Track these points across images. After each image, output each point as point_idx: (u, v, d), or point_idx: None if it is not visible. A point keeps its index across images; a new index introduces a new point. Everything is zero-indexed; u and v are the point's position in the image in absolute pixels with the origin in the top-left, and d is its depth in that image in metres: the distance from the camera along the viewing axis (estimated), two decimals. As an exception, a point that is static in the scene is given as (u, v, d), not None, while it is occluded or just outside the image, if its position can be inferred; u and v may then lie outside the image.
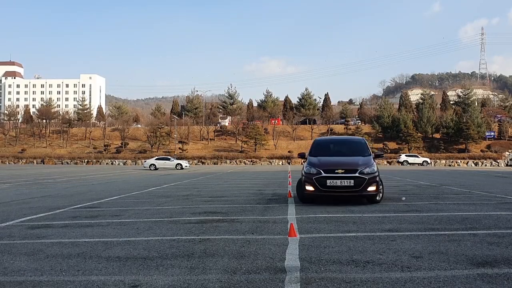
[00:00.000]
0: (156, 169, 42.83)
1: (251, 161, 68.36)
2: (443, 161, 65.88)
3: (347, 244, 5.55)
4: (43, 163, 70.07)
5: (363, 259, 4.75)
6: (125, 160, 70.49)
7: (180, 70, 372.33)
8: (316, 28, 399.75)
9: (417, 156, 63.08)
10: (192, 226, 7.24)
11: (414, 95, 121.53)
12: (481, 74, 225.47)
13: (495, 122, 79.65)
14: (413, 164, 59.82)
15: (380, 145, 73.30)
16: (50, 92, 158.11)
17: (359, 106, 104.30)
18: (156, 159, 45.80)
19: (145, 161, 48.21)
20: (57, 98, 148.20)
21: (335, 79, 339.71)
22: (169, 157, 49.64)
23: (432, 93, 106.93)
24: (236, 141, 78.09)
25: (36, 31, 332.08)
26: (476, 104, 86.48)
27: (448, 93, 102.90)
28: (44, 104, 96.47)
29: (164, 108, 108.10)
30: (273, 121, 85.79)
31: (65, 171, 36.61)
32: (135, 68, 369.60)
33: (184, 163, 46.40)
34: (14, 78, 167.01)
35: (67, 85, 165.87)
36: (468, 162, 65.00)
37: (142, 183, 20.32)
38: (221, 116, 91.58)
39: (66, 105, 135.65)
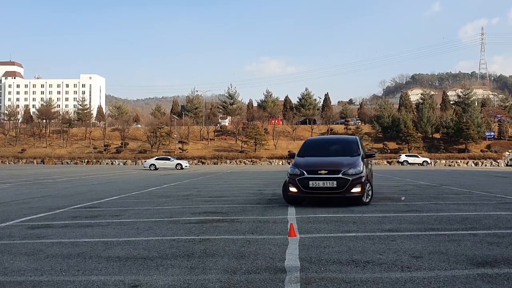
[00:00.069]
0: (156, 169, 42.83)
1: (251, 161, 68.37)
2: (443, 161, 65.89)
3: (347, 244, 5.55)
4: (43, 163, 70.07)
5: (363, 259, 4.75)
6: (125, 160, 70.49)
7: (180, 70, 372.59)
8: (316, 28, 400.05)
9: (417, 156, 63.09)
10: (192, 226, 7.24)
11: (414, 95, 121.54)
12: (481, 74, 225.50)
13: (495, 122, 79.67)
14: (413, 164, 59.82)
15: (380, 145, 73.34)
16: (50, 92, 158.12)
17: (359, 106, 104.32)
18: (156, 159, 45.80)
19: (145, 161, 48.22)
20: (57, 98, 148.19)
21: (335, 79, 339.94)
22: (169, 157, 49.65)
23: (432, 93, 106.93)
24: (236, 141, 78.09)
25: (36, 31, 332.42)
26: (476, 104, 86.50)
27: (448, 93, 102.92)
28: (44, 104, 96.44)
29: (164, 108, 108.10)
30: (273, 121, 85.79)
31: (65, 171, 36.62)
32: (135, 68, 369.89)
33: (184, 163, 46.41)
34: (14, 78, 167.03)
35: (67, 85, 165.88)
36: (468, 162, 65.00)
37: (142, 183, 20.32)
38: (221, 116, 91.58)
39: (66, 105, 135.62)
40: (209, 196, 13.01)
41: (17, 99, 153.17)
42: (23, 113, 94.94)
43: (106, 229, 7.04)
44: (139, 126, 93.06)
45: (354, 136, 11.45)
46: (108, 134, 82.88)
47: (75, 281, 4.09)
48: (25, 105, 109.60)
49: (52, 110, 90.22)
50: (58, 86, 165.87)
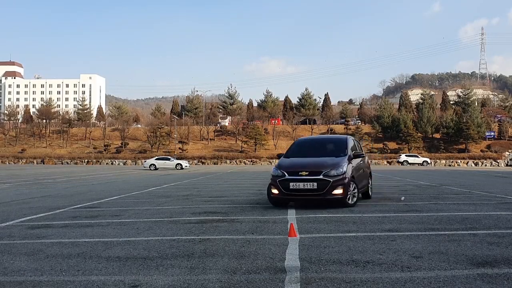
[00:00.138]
0: (156, 169, 42.83)
1: (251, 161, 68.38)
2: (443, 161, 65.91)
3: (347, 244, 5.55)
4: (43, 163, 70.07)
5: (363, 259, 4.75)
6: (125, 160, 70.50)
7: (180, 70, 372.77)
8: (316, 28, 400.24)
9: (417, 156, 63.11)
10: (192, 226, 7.24)
11: (414, 95, 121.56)
12: (481, 74, 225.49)
13: (495, 122, 79.71)
14: (413, 164, 59.83)
15: (380, 145, 73.38)
16: (50, 92, 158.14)
17: (359, 106, 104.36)
18: (156, 159, 45.81)
19: (145, 161, 48.23)
20: (57, 98, 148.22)
21: (335, 79, 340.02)
22: (169, 157, 49.66)
23: (432, 93, 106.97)
24: (236, 141, 78.11)
25: (36, 31, 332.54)
26: (476, 104, 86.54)
27: (448, 93, 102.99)
28: (44, 104, 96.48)
29: (164, 108, 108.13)
30: (273, 121, 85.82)
31: (65, 171, 36.62)
32: (135, 68, 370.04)
33: (184, 163, 46.42)
34: (14, 78, 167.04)
35: (67, 85, 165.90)
36: (468, 162, 65.02)
37: (142, 183, 20.32)
38: (221, 116, 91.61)
39: (66, 105, 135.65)
40: (209, 196, 13.01)
41: (17, 99, 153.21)
42: (23, 113, 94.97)
43: (106, 229, 7.04)
44: (139, 126, 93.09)
45: (345, 136, 11.11)
46: (108, 134, 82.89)
47: (75, 281, 4.09)
48: (25, 105, 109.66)
49: (52, 110, 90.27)
50: (58, 86, 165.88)
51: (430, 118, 75.95)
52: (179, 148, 73.19)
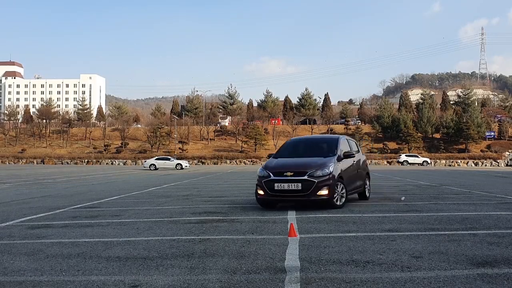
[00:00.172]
0: (156, 169, 42.84)
1: (251, 161, 68.38)
2: (443, 161, 65.92)
3: (347, 244, 5.55)
4: (43, 163, 70.09)
5: (363, 259, 4.75)
6: (125, 160, 70.51)
7: (180, 70, 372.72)
8: (316, 28, 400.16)
9: (417, 156, 63.13)
10: (192, 226, 7.24)
11: (414, 95, 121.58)
12: (481, 74, 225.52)
13: (495, 122, 79.74)
14: (413, 164, 59.85)
15: (380, 145, 73.39)
16: (50, 92, 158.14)
17: (359, 106, 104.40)
18: (156, 159, 45.83)
19: (145, 161, 48.24)
20: (57, 98, 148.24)
21: (335, 79, 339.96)
22: (169, 157, 49.68)
23: (432, 93, 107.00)
24: (236, 141, 78.13)
25: (36, 31, 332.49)
26: (476, 104, 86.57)
27: (448, 93, 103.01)
28: (44, 104, 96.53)
29: (164, 108, 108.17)
30: (273, 121, 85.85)
31: (65, 171, 36.62)
32: (135, 68, 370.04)
33: (184, 163, 46.43)
34: (14, 78, 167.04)
35: (67, 85, 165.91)
36: (468, 162, 65.03)
37: (142, 183, 20.32)
38: (221, 116, 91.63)
39: (66, 105, 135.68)
40: (209, 196, 13.01)
41: (17, 99, 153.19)
42: (23, 113, 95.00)
43: (106, 229, 7.04)
44: (139, 126, 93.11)
45: (337, 136, 10.88)
46: (108, 134, 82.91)
47: (75, 281, 4.09)
48: (25, 105, 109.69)
49: (52, 110, 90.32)
50: (58, 86, 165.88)
51: (430, 118, 75.97)
52: (179, 148, 73.20)
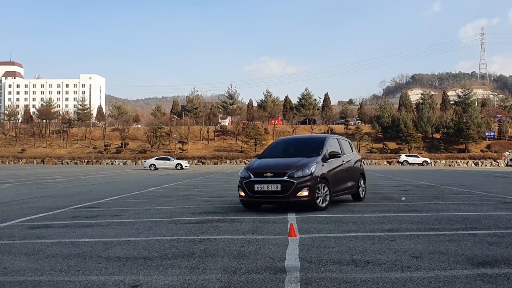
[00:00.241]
0: (156, 169, 42.84)
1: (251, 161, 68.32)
2: (443, 161, 65.92)
3: (347, 244, 5.55)
4: (43, 163, 70.09)
5: (363, 259, 4.75)
6: (125, 160, 70.52)
7: (180, 70, 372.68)
8: (316, 28, 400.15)
9: (417, 156, 63.13)
10: (192, 226, 7.24)
11: (414, 95, 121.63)
12: (481, 74, 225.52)
13: (495, 122, 79.75)
14: (413, 164, 59.85)
15: (380, 145, 73.38)
16: (50, 92, 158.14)
17: (359, 106, 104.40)
18: (156, 159, 45.83)
19: (145, 161, 48.24)
20: (57, 98, 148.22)
21: (335, 79, 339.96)
22: (169, 157, 49.68)
23: (432, 93, 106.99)
24: (236, 141, 78.14)
25: (36, 31, 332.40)
26: (476, 104, 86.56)
27: (448, 93, 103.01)
28: (44, 104, 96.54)
29: (164, 108, 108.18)
30: (273, 121, 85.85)
31: (65, 171, 36.62)
32: (135, 68, 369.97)
33: (184, 163, 46.43)
34: (14, 78, 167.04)
35: (67, 85, 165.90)
36: (468, 162, 65.03)
37: (142, 183, 20.32)
38: (221, 116, 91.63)
39: (66, 105, 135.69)
40: (209, 196, 13.01)
41: (17, 99, 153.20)
42: (23, 113, 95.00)
43: (106, 229, 7.04)
44: (139, 126, 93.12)
45: (325, 135, 10.55)
46: (108, 134, 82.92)
47: (75, 281, 4.09)
48: (25, 105, 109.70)
49: (52, 110, 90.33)
50: (58, 86, 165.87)
51: (430, 118, 75.97)
52: (179, 148, 73.21)
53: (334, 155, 9.42)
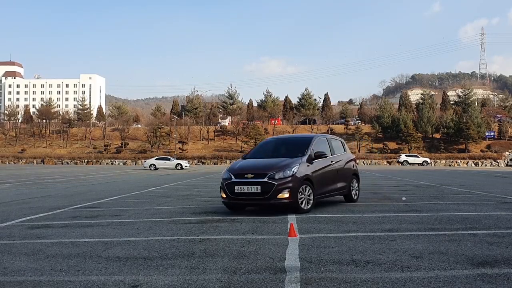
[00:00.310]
0: (156, 169, 42.85)
1: (251, 161, 68.31)
2: (443, 161, 65.92)
3: (347, 244, 5.55)
4: (43, 163, 70.09)
5: (363, 259, 4.75)
6: (125, 160, 70.52)
7: (180, 70, 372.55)
8: (316, 28, 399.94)
9: (417, 156, 63.13)
10: (192, 226, 7.24)
11: (414, 95, 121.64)
12: (481, 74, 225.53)
13: (495, 122, 79.75)
14: (413, 164, 59.86)
15: (380, 145, 73.37)
16: (50, 92, 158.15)
17: (359, 106, 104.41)
18: (156, 159, 45.84)
19: (145, 161, 48.25)
20: (57, 98, 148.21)
21: (335, 79, 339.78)
22: (169, 157, 49.69)
23: (432, 93, 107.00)
24: (236, 141, 78.14)
25: (36, 31, 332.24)
26: (476, 104, 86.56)
27: (448, 93, 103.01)
28: (44, 104, 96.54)
29: (164, 108, 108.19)
30: (273, 121, 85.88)
31: (65, 171, 36.62)
32: (135, 68, 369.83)
33: (184, 163, 46.44)
34: (14, 78, 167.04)
35: (67, 85, 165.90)
36: (468, 162, 65.02)
37: (142, 183, 20.32)
38: (221, 116, 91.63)
39: (66, 105, 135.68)
40: (209, 196, 13.02)
41: (17, 99, 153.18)
42: (23, 113, 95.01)
43: (106, 229, 7.05)
44: (139, 126, 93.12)
45: (313, 135, 10.20)
46: (108, 134, 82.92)
47: (75, 281, 4.09)
48: (25, 105, 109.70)
49: (52, 110, 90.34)
50: (58, 86, 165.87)
51: (430, 118, 75.96)
52: (179, 148, 73.21)
53: (320, 155, 9.11)
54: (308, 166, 8.68)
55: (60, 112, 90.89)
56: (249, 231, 6.63)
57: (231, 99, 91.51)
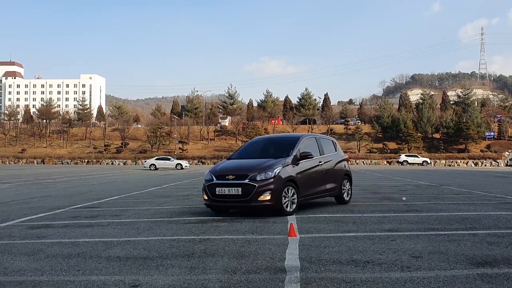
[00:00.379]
0: (156, 169, 42.84)
1: (251, 161, 68.31)
2: (443, 161, 65.91)
3: (347, 244, 5.56)
4: (43, 163, 70.09)
5: (363, 259, 4.76)
6: (125, 160, 70.51)
7: (180, 70, 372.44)
8: (316, 28, 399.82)
9: (417, 156, 63.13)
10: (192, 226, 7.25)
11: (414, 95, 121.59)
12: (481, 74, 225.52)
13: (495, 122, 79.73)
14: (413, 164, 59.86)
15: (380, 145, 73.36)
16: (50, 92, 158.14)
17: (359, 106, 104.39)
18: (156, 159, 45.83)
19: (145, 161, 48.26)
20: (57, 98, 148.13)
21: (335, 79, 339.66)
22: (169, 157, 49.69)
23: (432, 93, 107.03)
24: (236, 141, 78.12)
25: (36, 31, 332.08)
26: (476, 104, 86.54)
27: (448, 93, 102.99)
28: (44, 104, 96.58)
29: (164, 108, 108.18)
30: (273, 121, 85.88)
31: (65, 171, 36.63)
32: (135, 68, 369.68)
33: (184, 163, 46.43)
34: (14, 78, 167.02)
35: (67, 85, 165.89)
36: (468, 162, 65.02)
37: (142, 183, 20.33)
38: (221, 116, 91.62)
39: (66, 105, 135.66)
40: (209, 196, 12.99)
41: (17, 99, 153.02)
42: (23, 113, 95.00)
43: (106, 229, 7.05)
44: (139, 126, 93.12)
45: (300, 134, 9.84)
46: (108, 134, 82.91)
47: (75, 281, 4.10)
48: (25, 105, 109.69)
49: (52, 110, 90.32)
50: (58, 86, 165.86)
51: (430, 118, 75.96)
52: (179, 148, 73.21)
53: (306, 155, 8.81)
54: (293, 167, 8.42)
55: (60, 112, 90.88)
56: (249, 231, 6.63)
57: (231, 99, 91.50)
